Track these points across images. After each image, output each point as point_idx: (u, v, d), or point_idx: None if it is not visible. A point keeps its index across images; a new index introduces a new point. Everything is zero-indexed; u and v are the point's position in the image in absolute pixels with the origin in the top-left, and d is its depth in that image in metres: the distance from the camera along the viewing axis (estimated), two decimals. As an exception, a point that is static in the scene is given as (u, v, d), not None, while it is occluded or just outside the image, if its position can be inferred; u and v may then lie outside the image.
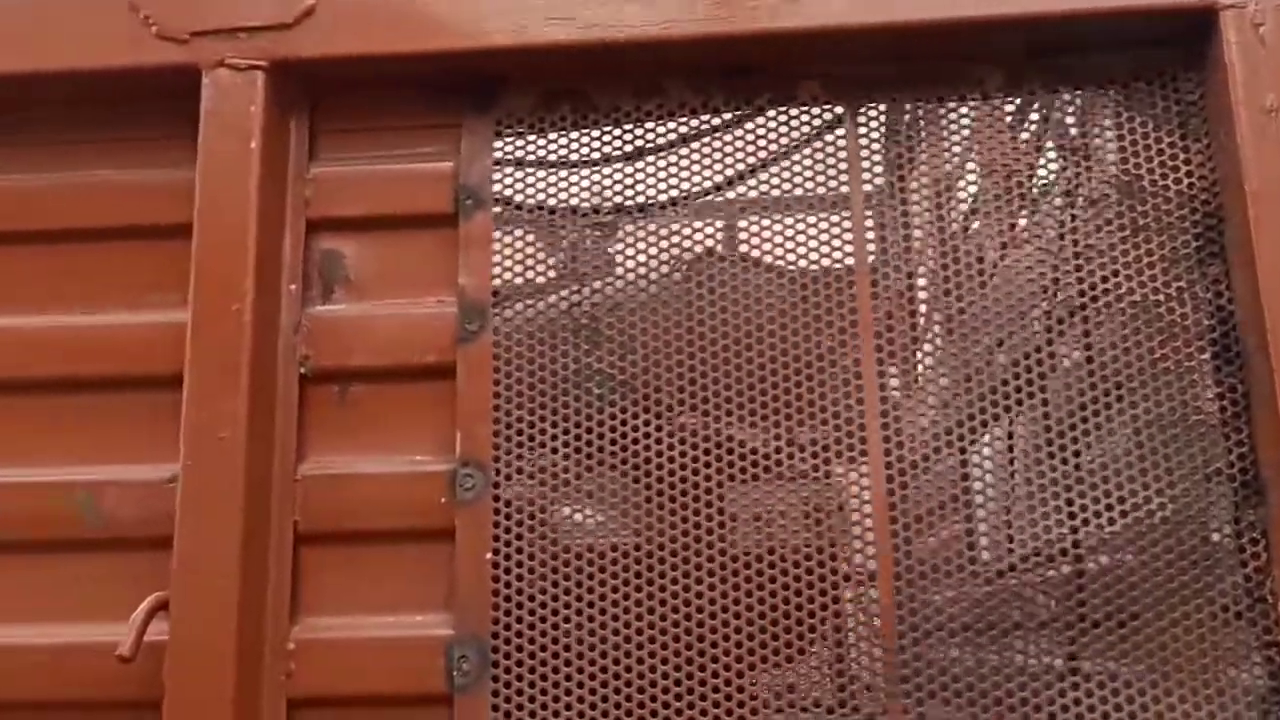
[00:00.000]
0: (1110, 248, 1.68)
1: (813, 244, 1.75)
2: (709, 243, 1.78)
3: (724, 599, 1.61)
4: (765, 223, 1.78)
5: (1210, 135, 1.70)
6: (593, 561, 1.64)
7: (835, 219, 1.75)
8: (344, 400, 1.75)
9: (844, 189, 1.76)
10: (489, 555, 1.64)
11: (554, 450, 1.69)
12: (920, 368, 1.68)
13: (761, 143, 1.81)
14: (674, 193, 1.80)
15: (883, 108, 1.80)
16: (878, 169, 1.78)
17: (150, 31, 1.77)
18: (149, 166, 1.83)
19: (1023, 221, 1.74)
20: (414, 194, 1.81)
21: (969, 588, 1.57)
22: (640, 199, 1.80)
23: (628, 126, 1.82)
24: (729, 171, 1.81)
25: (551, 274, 1.78)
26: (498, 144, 1.81)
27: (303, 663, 1.63)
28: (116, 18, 1.77)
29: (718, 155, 1.81)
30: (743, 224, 1.80)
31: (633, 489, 1.65)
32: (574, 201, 1.80)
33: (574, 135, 1.82)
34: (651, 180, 1.80)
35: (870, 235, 1.75)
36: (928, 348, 1.70)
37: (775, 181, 1.79)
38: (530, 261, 1.78)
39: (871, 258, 1.73)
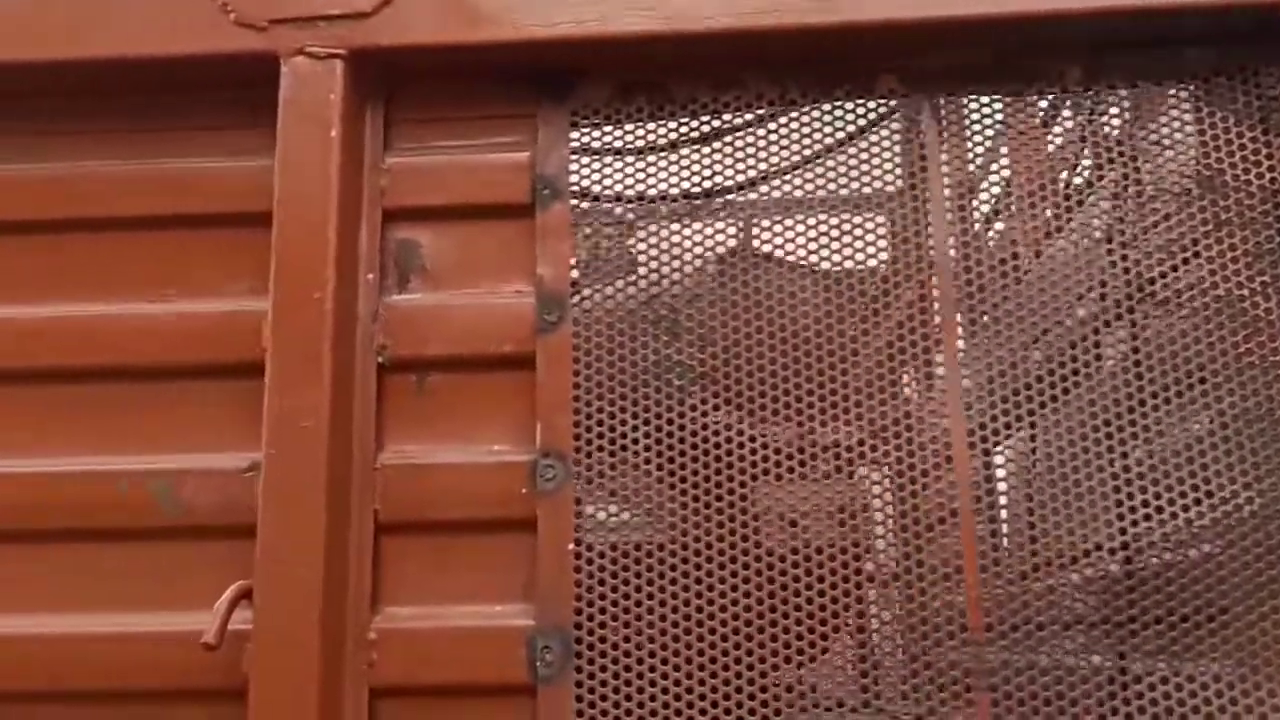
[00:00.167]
0: (1193, 242, 1.68)
1: (891, 238, 1.75)
2: (785, 234, 1.78)
3: (807, 590, 1.61)
4: (844, 216, 1.78)
5: (1292, 130, 1.71)
6: (675, 553, 1.64)
7: (913, 213, 1.74)
8: (422, 390, 1.74)
9: (922, 182, 1.75)
10: (570, 546, 1.64)
11: (634, 441, 1.68)
12: (1003, 361, 1.67)
13: (839, 135, 1.80)
14: (750, 184, 1.80)
15: (961, 101, 1.79)
16: (956, 162, 1.77)
17: (229, 19, 1.77)
18: (225, 155, 1.82)
19: (1103, 215, 1.74)
20: (490, 184, 1.80)
21: (1063, 581, 1.57)
22: (717, 190, 1.80)
23: (705, 118, 1.82)
24: (805, 164, 1.81)
25: (630, 265, 1.77)
26: (573, 134, 1.81)
27: (384, 652, 1.63)
28: (196, 5, 1.77)
29: (794, 147, 1.81)
30: (820, 217, 1.79)
31: (714, 479, 1.65)
32: (651, 192, 1.80)
33: (650, 126, 1.82)
34: (729, 171, 1.80)
35: (949, 229, 1.75)
36: (1008, 341, 1.69)
37: (853, 174, 1.79)
38: (608, 252, 1.77)
39: (952, 252, 1.73)
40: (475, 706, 1.61)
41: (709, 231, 1.79)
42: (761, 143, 1.81)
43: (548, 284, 1.74)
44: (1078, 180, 1.75)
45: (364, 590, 1.65)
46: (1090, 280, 1.70)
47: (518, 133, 1.82)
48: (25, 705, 1.65)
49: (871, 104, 1.80)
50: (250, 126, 1.81)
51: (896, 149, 1.78)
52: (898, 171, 1.77)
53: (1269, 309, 1.64)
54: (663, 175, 1.81)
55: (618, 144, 1.81)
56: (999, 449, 1.64)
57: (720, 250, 1.77)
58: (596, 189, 1.79)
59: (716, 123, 1.82)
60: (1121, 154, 1.76)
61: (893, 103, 1.80)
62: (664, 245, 1.78)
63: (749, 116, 1.81)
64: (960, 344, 1.67)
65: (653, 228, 1.79)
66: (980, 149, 1.79)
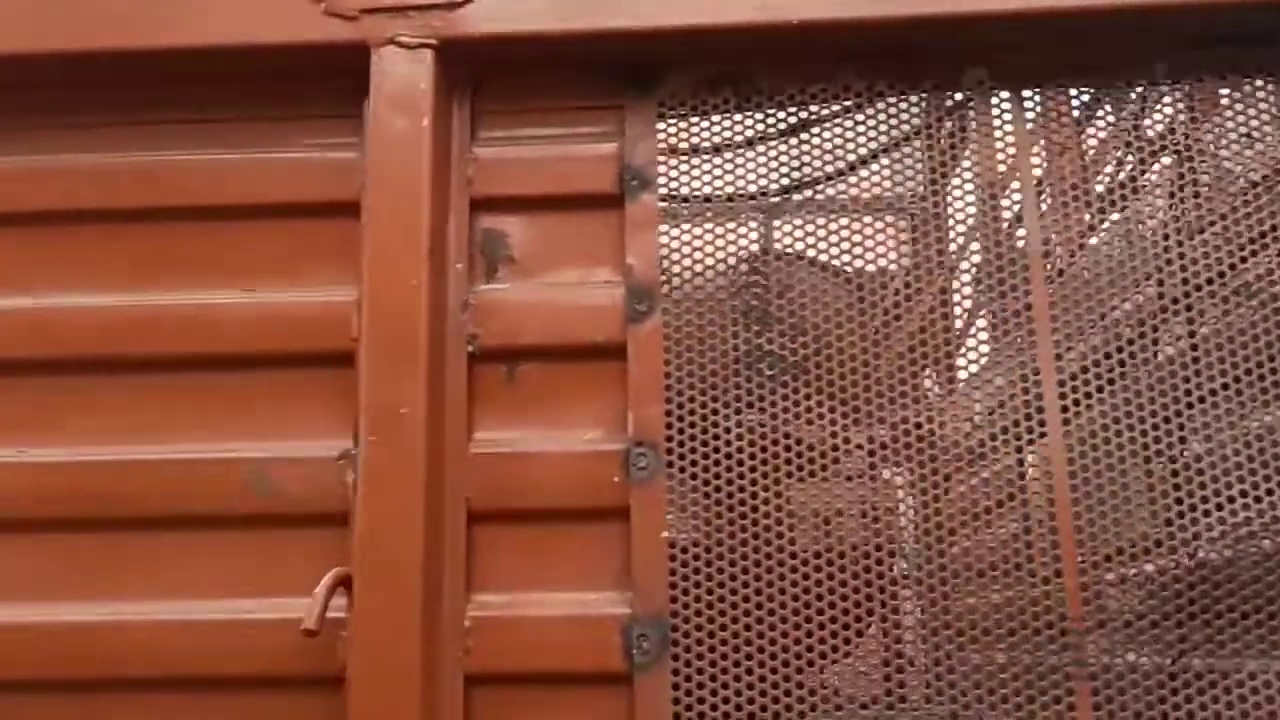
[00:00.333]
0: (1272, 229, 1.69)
1: (983, 229, 1.75)
2: (873, 225, 1.79)
3: (905, 579, 1.61)
4: (931, 208, 1.78)
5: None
6: (770, 542, 1.64)
7: (1005, 204, 1.75)
8: (512, 379, 1.75)
9: (1012, 174, 1.76)
10: (664, 534, 1.64)
11: (726, 430, 1.69)
12: (1097, 351, 1.68)
13: (927, 126, 1.81)
14: (838, 175, 1.80)
15: (1049, 93, 1.80)
16: (1045, 154, 1.78)
17: (319, 9, 1.77)
18: (314, 144, 1.83)
19: (1192, 205, 1.74)
20: (578, 174, 1.81)
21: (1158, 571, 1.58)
22: (804, 181, 1.80)
23: (791, 109, 1.82)
24: (891, 154, 1.82)
25: (719, 255, 1.78)
26: (661, 126, 1.81)
27: (479, 640, 1.63)
28: (287, -6, 1.78)
29: (881, 138, 1.81)
30: (906, 208, 1.80)
31: (805, 470, 1.65)
32: (739, 183, 1.80)
33: (737, 117, 1.82)
34: (816, 162, 1.81)
35: (1041, 220, 1.75)
36: (1102, 330, 1.70)
37: (940, 167, 1.80)
38: (698, 243, 1.78)
39: (1044, 242, 1.73)
40: (570, 694, 1.62)
41: (796, 222, 1.79)
42: (849, 134, 1.81)
43: (637, 274, 1.74)
44: (1168, 171, 1.75)
45: (458, 578, 1.65)
46: (1172, 269, 1.70)
47: (604, 123, 1.83)
48: (124, 692, 1.66)
49: (959, 96, 1.80)
50: (339, 116, 1.82)
51: (984, 142, 1.79)
52: (986, 164, 1.77)
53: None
54: (751, 166, 1.81)
55: (705, 135, 1.82)
56: (1093, 438, 1.64)
57: (806, 241, 1.77)
58: (685, 179, 1.80)
59: (804, 114, 1.82)
60: (1207, 147, 1.76)
61: (981, 95, 1.80)
62: (752, 236, 1.78)
63: (836, 108, 1.82)
64: (1052, 334, 1.67)
65: (741, 218, 1.79)
66: (1070, 140, 1.79)
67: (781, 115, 1.82)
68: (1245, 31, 1.76)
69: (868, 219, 1.80)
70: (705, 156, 1.81)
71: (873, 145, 1.81)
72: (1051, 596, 1.57)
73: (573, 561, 1.67)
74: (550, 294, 1.77)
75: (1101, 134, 1.81)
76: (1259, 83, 1.77)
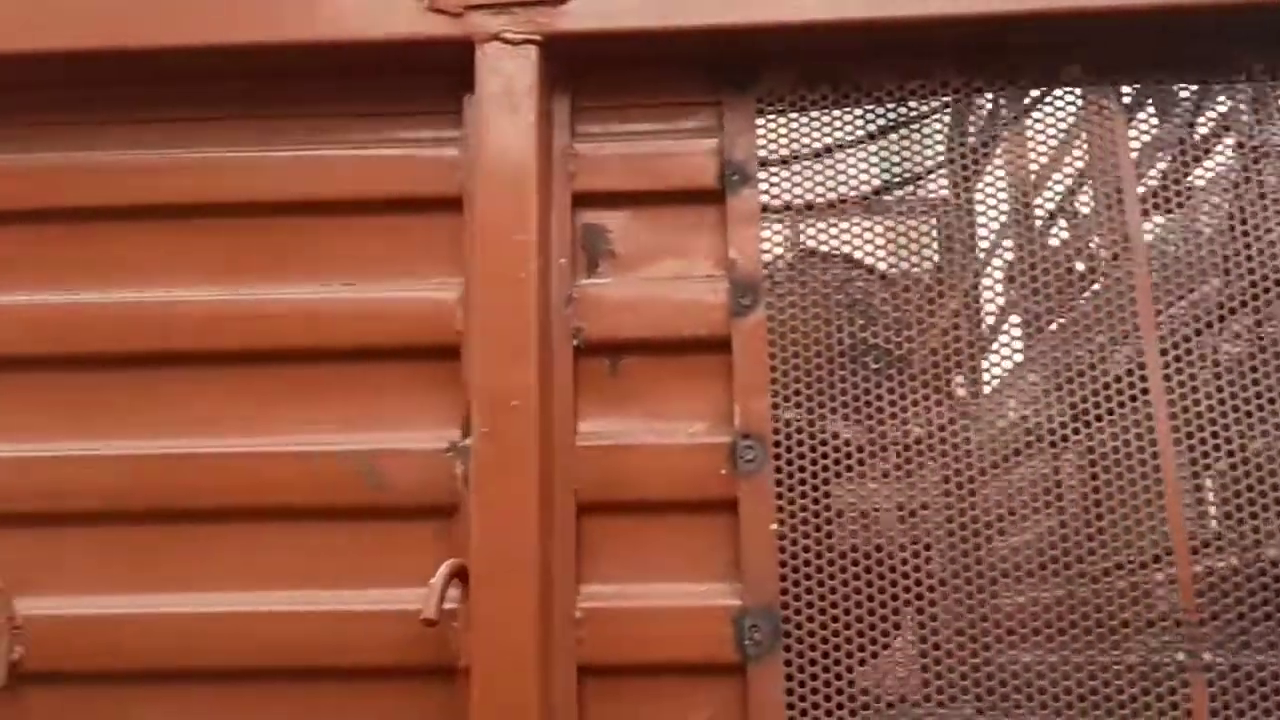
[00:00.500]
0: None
1: (1085, 225, 1.76)
2: (971, 221, 1.80)
3: (1018, 568, 1.63)
4: (1032, 203, 1.80)
5: None
6: (879, 533, 1.65)
7: (1108, 200, 1.76)
8: (615, 372, 1.76)
9: (1113, 169, 1.77)
10: (773, 526, 1.65)
11: (833, 423, 1.70)
12: (1203, 344, 1.69)
13: (1025, 123, 1.82)
14: (937, 169, 1.82)
15: (1145, 89, 1.81)
16: (1144, 150, 1.79)
17: (423, 5, 1.79)
18: (415, 139, 1.84)
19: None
20: (678, 169, 1.82)
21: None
22: (904, 177, 1.82)
23: (890, 105, 1.84)
24: (988, 150, 1.83)
25: (822, 249, 1.79)
26: (760, 121, 1.83)
27: (590, 630, 1.64)
28: (391, -9, 1.79)
29: (979, 134, 1.83)
30: (1006, 203, 1.81)
31: (917, 460, 1.67)
32: (838, 179, 1.82)
33: (836, 113, 1.83)
34: (915, 157, 1.82)
35: (1144, 216, 1.76)
36: (1209, 325, 1.71)
37: (1038, 162, 1.81)
38: (800, 237, 1.79)
39: (1148, 238, 1.74)
40: (682, 684, 1.63)
41: (897, 217, 1.80)
42: (947, 130, 1.82)
43: (740, 268, 1.75)
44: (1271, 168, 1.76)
45: (568, 569, 1.66)
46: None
47: (703, 119, 1.84)
48: (236, 682, 1.67)
49: (1057, 92, 1.82)
50: (439, 112, 1.84)
51: (1082, 137, 1.80)
52: (1086, 159, 1.79)
53: None
54: (850, 162, 1.82)
55: (805, 131, 1.83)
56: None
57: (907, 234, 1.79)
58: (785, 174, 1.81)
59: (902, 110, 1.83)
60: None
61: (1078, 91, 1.81)
62: (854, 230, 1.80)
63: (934, 104, 1.83)
64: (1160, 325, 1.68)
65: (842, 213, 1.80)
66: (1166, 137, 1.80)
67: (880, 111, 1.84)
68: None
69: (962, 214, 1.81)
70: (806, 151, 1.82)
71: (970, 141, 1.82)
72: (1163, 586, 1.59)
73: (680, 553, 1.68)
74: (652, 288, 1.78)
75: (1200, 129, 1.82)
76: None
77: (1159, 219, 1.80)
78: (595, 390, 1.75)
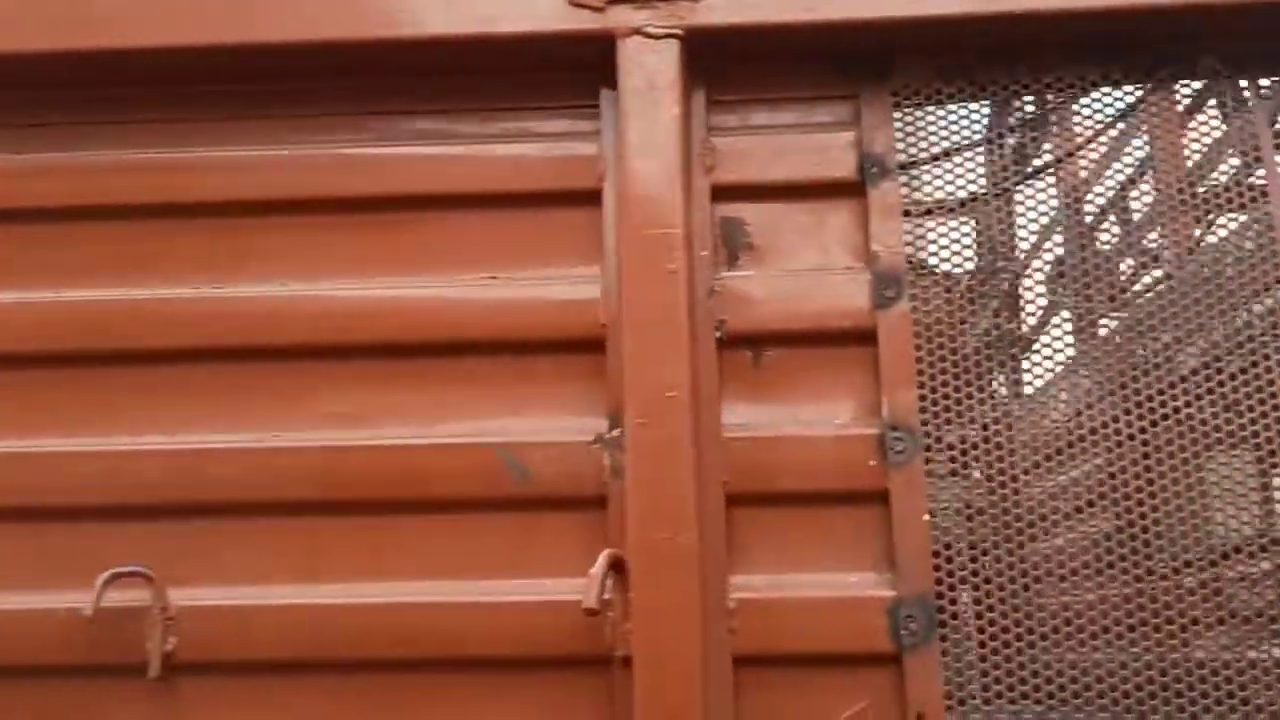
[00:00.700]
0: None
1: (1227, 220, 1.77)
2: (1109, 211, 1.81)
3: (1173, 561, 1.63)
4: (1163, 196, 1.80)
5: None
6: (1033, 524, 1.66)
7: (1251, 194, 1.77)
8: (758, 363, 1.76)
9: (1255, 162, 1.77)
10: (925, 517, 1.65)
11: (981, 414, 1.70)
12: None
13: (1161, 116, 1.83)
14: (1072, 161, 1.82)
15: (1282, 80, 1.82)
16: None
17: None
18: (554, 134, 1.86)
19: None
20: (817, 162, 1.83)
21: None
22: (1042, 168, 1.82)
23: (1027, 98, 1.84)
24: (1125, 144, 1.84)
25: (964, 242, 1.79)
26: (896, 115, 1.83)
27: (744, 620, 1.65)
28: (534, -14, 1.80)
29: (1116, 128, 1.83)
30: (1141, 197, 1.82)
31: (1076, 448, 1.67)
32: (977, 171, 1.82)
33: (972, 106, 1.84)
34: (1053, 150, 1.83)
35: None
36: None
37: (1175, 156, 1.82)
38: (942, 229, 1.80)
39: (1291, 228, 1.74)
40: (838, 675, 1.63)
41: (1037, 209, 1.81)
42: (1085, 123, 1.83)
43: (883, 260, 1.76)
44: None
45: (720, 559, 1.67)
46: None
47: (840, 112, 1.85)
48: (383, 672, 1.67)
49: (1195, 85, 1.82)
50: (578, 106, 1.85)
51: (1222, 130, 1.80)
52: (1227, 152, 1.79)
53: None
54: (989, 154, 1.83)
55: (942, 123, 1.84)
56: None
57: (1048, 225, 1.79)
58: (925, 168, 1.82)
59: (1038, 103, 1.84)
60: None
61: (1216, 84, 1.82)
62: (995, 222, 1.80)
63: (1070, 97, 1.84)
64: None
65: (982, 205, 1.81)
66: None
67: (1017, 104, 1.84)
68: None
69: (1102, 203, 1.81)
70: (944, 144, 1.83)
71: (1111, 134, 1.83)
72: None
73: (831, 543, 1.69)
74: (793, 280, 1.79)
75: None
76: None
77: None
78: (739, 382, 1.76)
